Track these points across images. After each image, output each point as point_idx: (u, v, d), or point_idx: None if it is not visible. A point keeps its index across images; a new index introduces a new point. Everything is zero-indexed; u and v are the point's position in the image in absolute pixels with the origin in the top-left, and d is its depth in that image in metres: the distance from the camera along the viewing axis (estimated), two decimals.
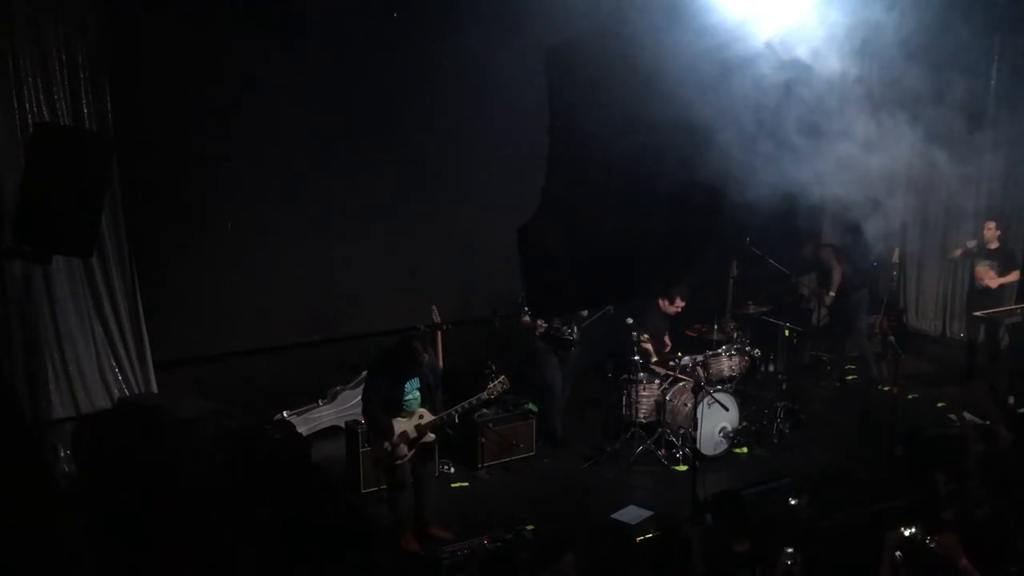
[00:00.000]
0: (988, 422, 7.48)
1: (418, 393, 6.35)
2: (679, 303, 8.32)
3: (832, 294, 9.51)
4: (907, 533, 4.52)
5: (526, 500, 7.23)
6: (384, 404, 6.26)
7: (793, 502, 5.87)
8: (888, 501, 6.03)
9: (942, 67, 9.68)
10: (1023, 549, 4.54)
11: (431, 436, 6.43)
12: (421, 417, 6.34)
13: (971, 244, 9.63)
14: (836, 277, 9.49)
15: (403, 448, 6.27)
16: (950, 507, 5.09)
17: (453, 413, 6.52)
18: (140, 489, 6.25)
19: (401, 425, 6.28)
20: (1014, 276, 9.50)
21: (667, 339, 8.48)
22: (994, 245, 9.50)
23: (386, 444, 6.23)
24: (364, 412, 6.39)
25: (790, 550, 4.63)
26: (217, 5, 7.49)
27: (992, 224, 9.50)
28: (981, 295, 9.52)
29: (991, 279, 9.45)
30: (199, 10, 7.31)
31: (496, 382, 6.60)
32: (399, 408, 6.30)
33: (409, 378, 6.30)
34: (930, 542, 4.42)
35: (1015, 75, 9.90)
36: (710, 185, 7.86)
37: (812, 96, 7.15)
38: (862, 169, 9.83)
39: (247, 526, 5.94)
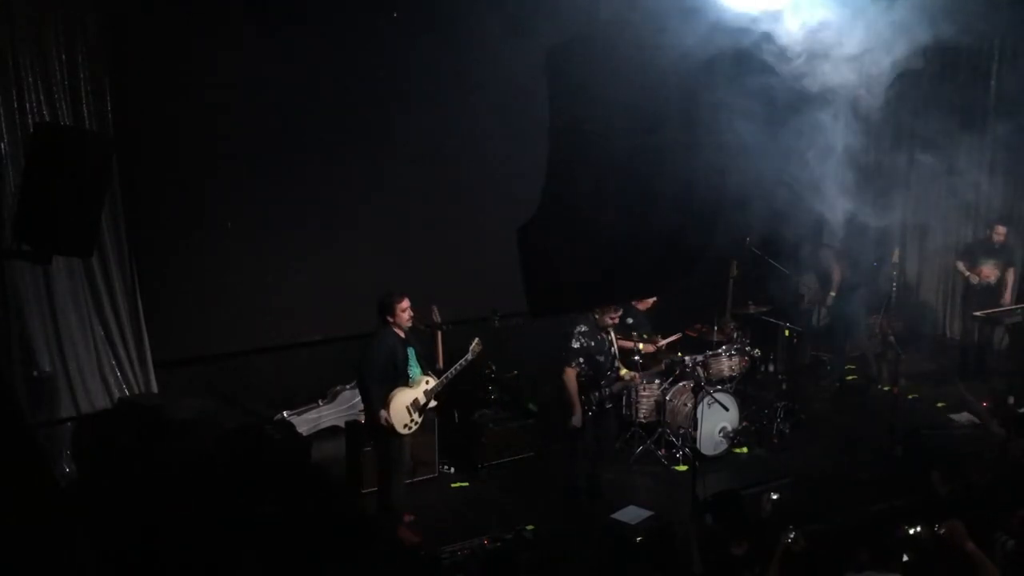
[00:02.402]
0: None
1: (417, 361, 6.58)
2: (649, 299, 8.25)
3: (833, 294, 9.50)
4: (911, 532, 4.56)
5: (526, 500, 7.23)
6: (390, 375, 6.40)
7: (775, 496, 5.91)
8: (888, 501, 6.04)
9: (942, 68, 9.72)
10: (1012, 549, 4.57)
11: (434, 402, 6.69)
12: (427, 383, 6.60)
13: (974, 280, 9.62)
14: (836, 278, 9.49)
15: (416, 415, 6.53)
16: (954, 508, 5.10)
17: (447, 379, 6.74)
18: (140, 489, 6.25)
19: (412, 394, 6.51)
20: (1011, 273, 9.52)
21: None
22: (999, 244, 9.50)
23: (383, 413, 6.33)
24: (362, 381, 6.45)
25: (792, 529, 4.68)
26: (217, 5, 7.49)
27: (1003, 229, 9.49)
28: (984, 293, 9.51)
29: (996, 277, 9.47)
30: (199, 10, 7.31)
31: (473, 344, 6.83)
32: (406, 377, 6.49)
33: (407, 344, 6.52)
34: (938, 528, 4.48)
35: (1015, 76, 9.90)
36: (710, 185, 7.87)
37: (814, 95, 7.15)
38: (863, 168, 9.83)
39: (247, 526, 5.94)
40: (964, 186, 10.43)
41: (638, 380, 7.74)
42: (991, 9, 7.79)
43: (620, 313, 7.37)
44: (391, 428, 6.40)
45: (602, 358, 7.01)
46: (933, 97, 10.36)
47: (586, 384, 6.93)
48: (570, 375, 6.88)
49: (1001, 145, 10.13)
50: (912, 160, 10.65)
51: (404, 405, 6.46)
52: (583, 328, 6.89)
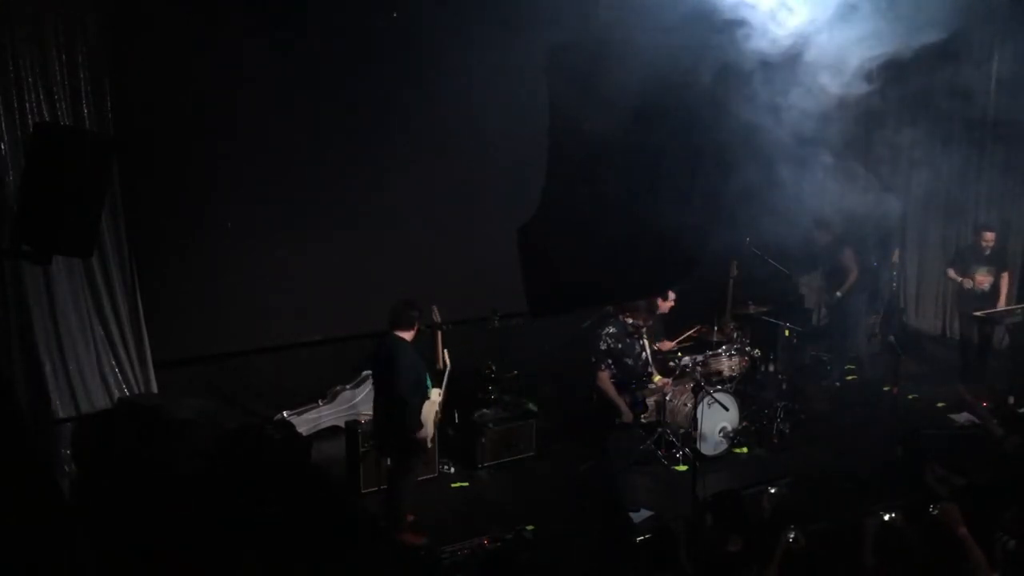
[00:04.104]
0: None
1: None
2: (671, 299, 8.22)
3: (838, 294, 9.47)
4: (886, 518, 4.59)
5: (526, 500, 7.23)
6: (421, 387, 6.37)
7: (773, 491, 5.91)
8: (888, 501, 6.03)
9: (942, 66, 9.71)
10: (1013, 548, 4.58)
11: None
12: (439, 395, 6.60)
13: (968, 285, 9.48)
14: (851, 279, 9.47)
15: (433, 429, 6.58)
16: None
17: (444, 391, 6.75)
18: (140, 489, 6.26)
19: (432, 407, 6.51)
20: (1005, 278, 9.48)
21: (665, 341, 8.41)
22: (989, 251, 9.46)
23: (423, 431, 6.36)
24: (405, 396, 6.30)
25: (792, 529, 4.68)
26: (217, 5, 7.49)
27: (991, 235, 9.46)
28: (977, 299, 9.47)
29: (990, 284, 9.42)
30: (199, 10, 7.31)
31: (444, 356, 6.80)
32: (427, 388, 6.49)
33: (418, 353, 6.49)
34: (933, 510, 4.51)
35: (1015, 74, 9.89)
36: (710, 184, 7.88)
37: (814, 94, 7.15)
38: (863, 167, 9.82)
39: (247, 526, 5.94)
40: (963, 186, 10.45)
41: (669, 387, 7.75)
42: (990, 7, 7.80)
43: (651, 321, 7.29)
44: (422, 441, 6.42)
45: (631, 361, 6.93)
46: (932, 97, 10.35)
47: (616, 387, 6.87)
48: (603, 378, 6.82)
49: (1000, 145, 10.12)
50: (911, 159, 10.64)
51: (430, 419, 6.48)
52: (611, 330, 6.85)
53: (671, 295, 7.97)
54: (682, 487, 6.87)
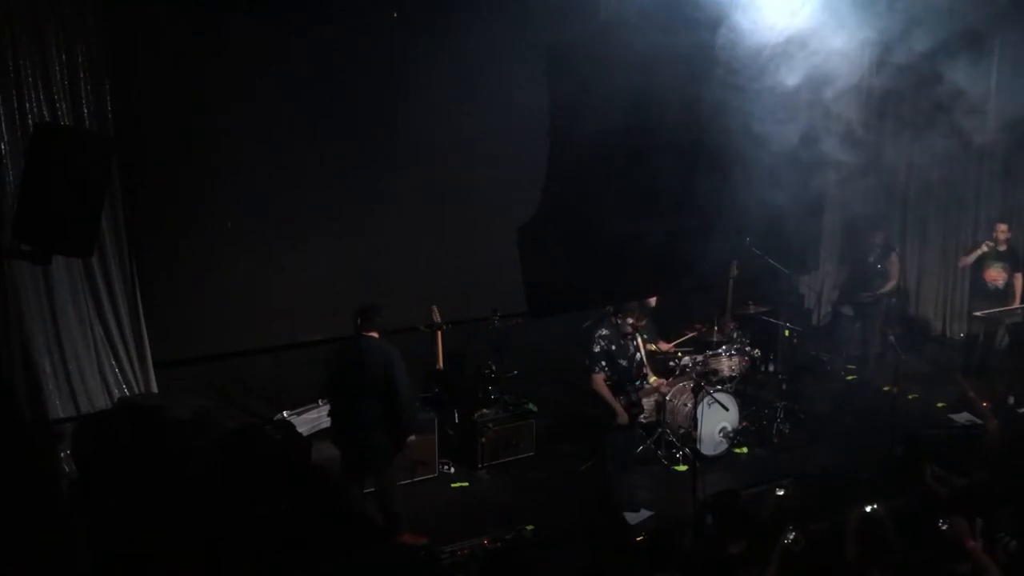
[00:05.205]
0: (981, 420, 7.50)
1: None
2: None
3: (869, 295, 9.48)
4: (868, 509, 4.60)
5: (526, 500, 7.23)
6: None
7: (780, 492, 5.91)
8: (888, 501, 6.03)
9: (942, 64, 9.71)
10: (1015, 549, 4.58)
11: None
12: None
13: (988, 246, 9.36)
14: (891, 284, 9.51)
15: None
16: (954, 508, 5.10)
17: None
18: (140, 489, 6.25)
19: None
20: (1019, 278, 9.44)
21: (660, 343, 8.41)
22: (1004, 247, 9.41)
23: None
24: (413, 404, 6.37)
25: (791, 529, 4.68)
26: (217, 5, 7.50)
27: (1004, 227, 9.40)
28: (991, 297, 9.43)
29: (1004, 281, 9.36)
30: (199, 10, 7.32)
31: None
32: None
33: None
34: (942, 524, 4.50)
35: (1015, 73, 9.88)
36: (711, 185, 7.87)
37: (814, 93, 7.16)
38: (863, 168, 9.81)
39: (247, 526, 5.94)
40: (963, 185, 10.44)
41: (665, 387, 7.75)
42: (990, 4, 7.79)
43: (643, 321, 7.29)
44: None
45: (625, 362, 6.90)
46: (930, 94, 10.33)
47: (612, 388, 6.85)
48: (597, 380, 6.80)
49: (1000, 142, 10.10)
50: (910, 158, 10.62)
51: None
52: (604, 332, 6.84)
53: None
54: (682, 487, 6.86)
